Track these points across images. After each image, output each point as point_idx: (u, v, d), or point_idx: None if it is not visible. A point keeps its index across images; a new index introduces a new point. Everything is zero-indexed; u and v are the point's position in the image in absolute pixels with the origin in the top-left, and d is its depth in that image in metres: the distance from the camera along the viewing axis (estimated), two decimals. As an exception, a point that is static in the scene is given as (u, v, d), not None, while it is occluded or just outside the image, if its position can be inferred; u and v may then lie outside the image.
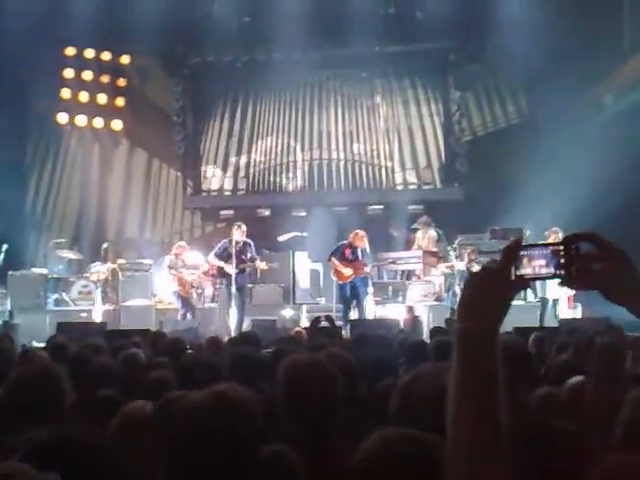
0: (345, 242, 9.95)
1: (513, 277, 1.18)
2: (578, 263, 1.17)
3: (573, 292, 9.49)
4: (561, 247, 1.18)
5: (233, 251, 9.50)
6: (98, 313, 10.20)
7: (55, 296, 10.92)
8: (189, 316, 9.92)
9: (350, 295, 9.74)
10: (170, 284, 10.26)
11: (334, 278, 9.98)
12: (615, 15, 12.03)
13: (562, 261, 1.17)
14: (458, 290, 9.78)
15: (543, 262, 1.18)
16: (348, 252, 9.77)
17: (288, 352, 3.52)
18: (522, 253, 1.18)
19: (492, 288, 1.17)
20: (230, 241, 9.68)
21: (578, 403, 2.74)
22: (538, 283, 9.59)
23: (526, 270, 1.18)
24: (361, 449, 1.41)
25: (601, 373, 3.12)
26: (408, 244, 11.70)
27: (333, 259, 9.86)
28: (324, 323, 6.51)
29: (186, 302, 10.10)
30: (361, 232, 9.94)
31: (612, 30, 11.82)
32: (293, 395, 2.26)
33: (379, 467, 1.35)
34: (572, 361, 3.86)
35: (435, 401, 1.49)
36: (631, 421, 1.84)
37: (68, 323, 8.56)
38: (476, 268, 9.73)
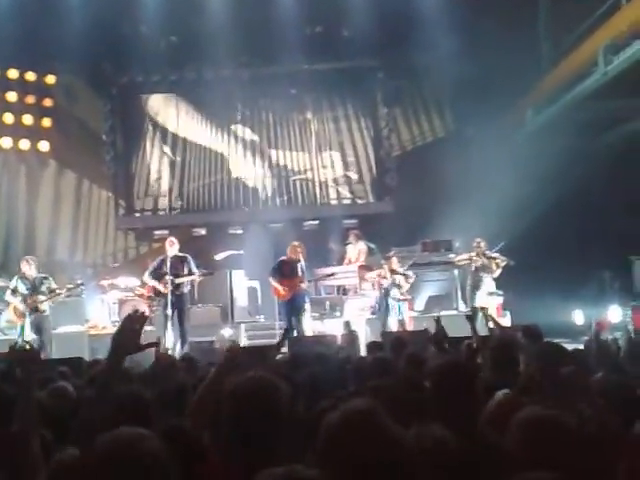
0: (283, 258, 9.81)
1: None
2: None
3: (501, 300, 9.85)
4: None
5: (168, 266, 9.33)
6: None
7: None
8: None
9: (290, 312, 9.62)
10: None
11: (275, 297, 9.98)
12: (533, 32, 12.59)
13: None
14: (391, 302, 9.97)
15: None
16: (286, 268, 9.65)
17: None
18: None
19: None
20: (164, 259, 9.48)
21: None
22: (468, 293, 9.92)
23: None
24: None
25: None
26: (342, 259, 11.86)
27: (271, 279, 9.81)
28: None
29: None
30: (295, 242, 9.85)
31: (531, 47, 12.35)
32: (238, 416, 2.24)
33: None
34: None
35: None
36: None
37: (-3, 354, 8.26)
38: (400, 279, 9.93)
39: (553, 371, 3.61)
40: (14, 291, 9.22)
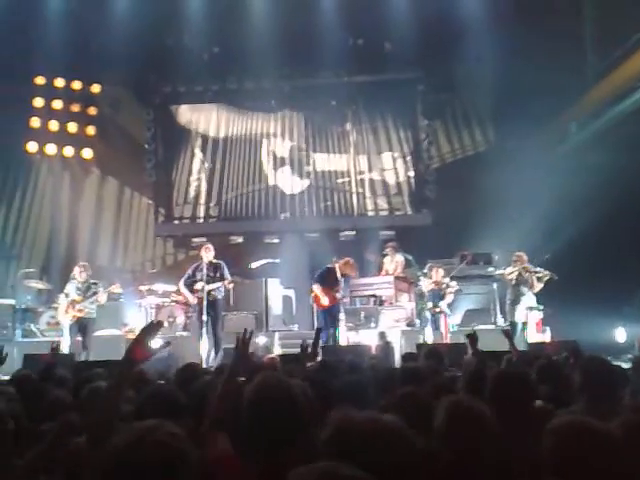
0: (330, 266, 9.79)
1: None
2: None
3: (541, 316, 9.63)
4: None
5: (203, 273, 9.38)
6: (67, 344, 10.03)
7: (23, 327, 10.75)
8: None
9: (326, 322, 9.61)
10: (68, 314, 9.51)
11: (313, 305, 9.97)
12: (579, 45, 12.38)
13: None
14: (428, 315, 9.87)
15: None
16: (331, 279, 9.66)
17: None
18: None
19: None
20: (198, 265, 9.53)
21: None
22: (507, 308, 9.73)
23: None
24: None
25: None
26: (379, 270, 11.77)
27: (315, 286, 9.79)
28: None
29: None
30: (351, 260, 9.85)
31: (576, 60, 12.13)
32: (257, 418, 2.27)
33: None
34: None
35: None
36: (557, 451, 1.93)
37: (35, 355, 8.39)
38: (451, 287, 9.87)
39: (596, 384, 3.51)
40: (66, 295, 9.60)
